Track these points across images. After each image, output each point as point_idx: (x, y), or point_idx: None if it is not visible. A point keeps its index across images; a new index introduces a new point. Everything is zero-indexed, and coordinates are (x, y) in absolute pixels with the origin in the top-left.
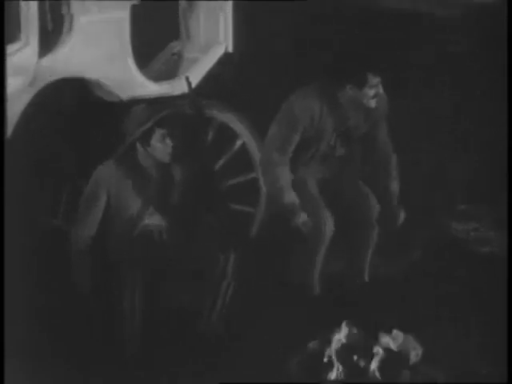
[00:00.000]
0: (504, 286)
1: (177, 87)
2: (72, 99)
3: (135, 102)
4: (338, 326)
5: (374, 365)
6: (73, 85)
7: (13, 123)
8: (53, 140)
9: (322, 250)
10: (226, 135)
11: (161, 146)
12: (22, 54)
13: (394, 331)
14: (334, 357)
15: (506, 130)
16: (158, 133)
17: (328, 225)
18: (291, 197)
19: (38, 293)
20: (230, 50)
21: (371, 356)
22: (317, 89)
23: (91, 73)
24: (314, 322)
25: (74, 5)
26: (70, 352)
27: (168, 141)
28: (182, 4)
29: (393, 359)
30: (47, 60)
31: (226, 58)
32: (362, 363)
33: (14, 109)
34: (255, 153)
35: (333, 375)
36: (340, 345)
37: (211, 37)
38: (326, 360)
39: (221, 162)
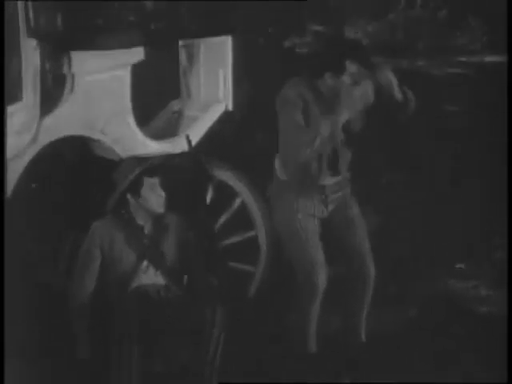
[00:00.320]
0: (504, 346)
1: (177, 145)
2: (73, 158)
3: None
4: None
5: None
6: (74, 143)
7: (14, 182)
8: (53, 197)
9: (316, 305)
10: (226, 193)
11: (152, 197)
12: (24, 114)
13: None
14: None
15: (506, 189)
16: (147, 183)
17: (321, 278)
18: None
19: (38, 351)
20: (230, 108)
21: None
22: (305, 79)
23: (92, 131)
24: (310, 379)
25: (75, 65)
26: None
27: (160, 191)
28: (183, 63)
29: None
30: (49, 119)
31: (226, 116)
32: None
33: (15, 168)
34: (255, 211)
35: None
36: None
37: (211, 95)
38: None
39: (221, 221)
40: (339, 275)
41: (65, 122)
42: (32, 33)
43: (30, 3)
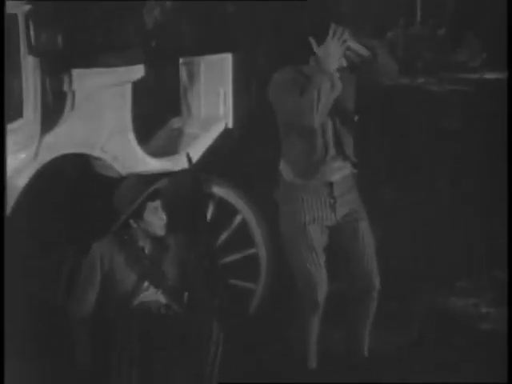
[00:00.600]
0: (504, 363)
1: (177, 163)
2: (73, 175)
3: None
4: None
5: None
6: (74, 161)
7: (14, 199)
8: (53, 215)
9: (317, 320)
10: (226, 211)
11: (154, 220)
12: (25, 131)
13: None
14: None
15: (506, 208)
16: (150, 207)
17: (320, 294)
18: None
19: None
20: (230, 126)
21: None
22: (293, 66)
23: (92, 149)
24: None
25: (76, 82)
26: None
27: (161, 214)
28: (183, 80)
29: None
30: (49, 136)
31: (226, 134)
32: None
33: (16, 185)
34: (255, 228)
35: None
36: None
37: (212, 113)
38: None
39: (221, 238)
40: (343, 290)
41: (65, 139)
42: (33, 50)
43: (30, 21)
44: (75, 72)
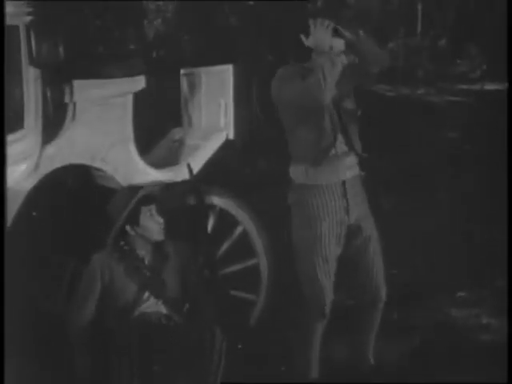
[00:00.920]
0: (504, 374)
1: (178, 174)
2: (74, 186)
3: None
4: None
5: None
6: (75, 172)
7: (15, 210)
8: (54, 226)
9: (320, 331)
10: (227, 221)
11: (151, 224)
12: (25, 142)
13: None
14: None
15: (506, 218)
16: (145, 211)
17: (327, 303)
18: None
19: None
20: (231, 136)
21: None
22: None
23: (93, 160)
24: None
25: (77, 93)
26: None
27: (158, 218)
28: (184, 91)
29: None
30: (50, 147)
31: (227, 145)
32: None
33: (16, 196)
34: (256, 239)
35: None
36: None
37: (212, 124)
38: None
39: (222, 249)
40: (348, 300)
41: (66, 150)
42: (34, 61)
43: (32, 32)
44: (76, 83)
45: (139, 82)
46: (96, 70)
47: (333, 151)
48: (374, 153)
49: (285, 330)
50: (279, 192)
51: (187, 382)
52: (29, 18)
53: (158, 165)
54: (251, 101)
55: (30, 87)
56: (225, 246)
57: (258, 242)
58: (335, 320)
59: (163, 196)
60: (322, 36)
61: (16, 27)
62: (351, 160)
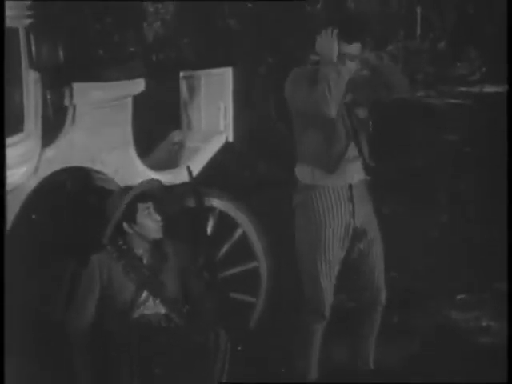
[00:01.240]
0: (504, 377)
1: (178, 176)
2: (74, 189)
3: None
4: None
5: None
6: (75, 174)
7: (14, 213)
8: (53, 229)
9: (319, 331)
10: (226, 224)
11: (148, 222)
12: (25, 145)
13: None
14: None
15: (506, 220)
16: (142, 208)
17: (327, 306)
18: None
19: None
20: (231, 139)
21: None
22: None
23: (93, 162)
24: None
25: (77, 96)
26: None
27: (155, 215)
28: (183, 94)
29: None
30: (50, 150)
31: (226, 148)
32: None
33: (16, 199)
34: (256, 241)
35: None
36: None
37: (212, 126)
38: None
39: (222, 252)
40: (348, 302)
41: (66, 153)
42: (34, 64)
43: (31, 35)
44: (76, 86)
45: (139, 85)
46: (96, 72)
47: (345, 156)
48: (374, 155)
49: (284, 332)
50: (279, 194)
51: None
52: (29, 21)
53: (157, 167)
54: (250, 104)
55: (30, 90)
56: (224, 249)
57: (258, 245)
58: (335, 322)
59: (162, 197)
60: (327, 45)
61: (16, 30)
62: (359, 164)
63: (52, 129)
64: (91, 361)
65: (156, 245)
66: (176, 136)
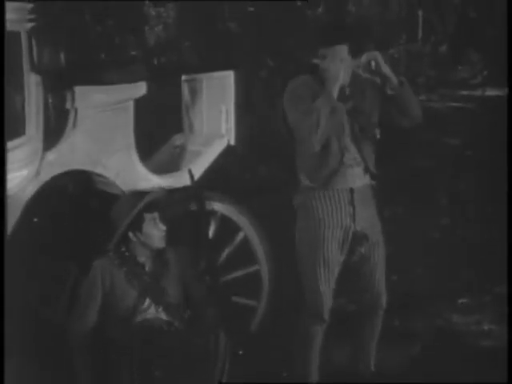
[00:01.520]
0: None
1: (179, 180)
2: (75, 192)
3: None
4: None
5: None
6: (76, 178)
7: (16, 216)
8: (55, 232)
9: (320, 334)
10: (228, 227)
11: (154, 232)
12: (27, 148)
13: None
14: None
15: (506, 228)
16: (148, 218)
17: (326, 309)
18: None
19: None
20: (232, 142)
21: None
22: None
23: (94, 166)
24: None
25: (78, 99)
26: None
27: (161, 225)
28: (185, 97)
29: None
30: (51, 154)
31: (228, 151)
32: None
33: (17, 202)
34: (257, 245)
35: None
36: None
37: (214, 130)
38: None
39: (223, 255)
40: (349, 306)
41: (67, 156)
42: (35, 68)
43: (33, 38)
44: (78, 89)
45: (140, 88)
46: (97, 76)
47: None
48: (376, 159)
49: (286, 335)
50: (281, 198)
51: None
52: (30, 25)
53: (159, 171)
54: (252, 107)
55: (32, 93)
56: (226, 252)
57: (259, 248)
58: (336, 325)
59: (166, 203)
60: (332, 66)
61: (17, 33)
62: (360, 170)
63: (53, 132)
64: (92, 364)
65: (158, 252)
66: (178, 139)
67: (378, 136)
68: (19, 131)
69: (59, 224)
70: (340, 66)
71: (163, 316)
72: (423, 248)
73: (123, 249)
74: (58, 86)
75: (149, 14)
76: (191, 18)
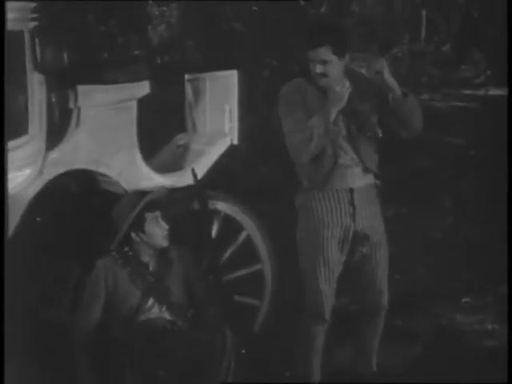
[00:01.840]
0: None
1: (182, 179)
2: (78, 191)
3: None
4: None
5: None
6: (79, 177)
7: (18, 215)
8: (58, 232)
9: (321, 334)
10: (231, 227)
11: (156, 231)
12: (30, 147)
13: None
14: None
15: (506, 227)
16: (150, 217)
17: (327, 309)
18: None
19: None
20: (236, 142)
21: None
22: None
23: (97, 165)
24: None
25: (81, 98)
26: None
27: (163, 224)
28: (188, 97)
29: None
30: (54, 153)
31: (231, 150)
32: None
33: (20, 201)
34: (260, 244)
35: None
36: None
37: (217, 129)
38: None
39: (226, 255)
40: (351, 305)
41: (70, 155)
42: (38, 67)
43: (36, 38)
44: (81, 88)
45: (143, 88)
46: (100, 75)
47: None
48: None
49: (288, 335)
50: (283, 197)
51: None
52: (33, 24)
53: (162, 170)
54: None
55: (35, 93)
56: (229, 252)
57: (262, 248)
58: (338, 325)
59: (168, 201)
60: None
61: (20, 32)
62: (359, 170)
63: (56, 131)
64: (95, 364)
65: (161, 251)
66: (181, 139)
67: (380, 135)
68: (22, 130)
69: (62, 223)
70: (345, 89)
71: (167, 315)
72: (425, 248)
73: (126, 248)
74: (61, 85)
75: (152, 14)
76: (194, 18)
